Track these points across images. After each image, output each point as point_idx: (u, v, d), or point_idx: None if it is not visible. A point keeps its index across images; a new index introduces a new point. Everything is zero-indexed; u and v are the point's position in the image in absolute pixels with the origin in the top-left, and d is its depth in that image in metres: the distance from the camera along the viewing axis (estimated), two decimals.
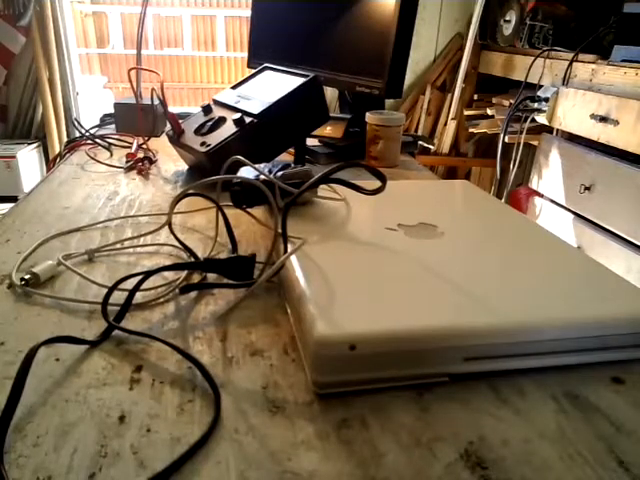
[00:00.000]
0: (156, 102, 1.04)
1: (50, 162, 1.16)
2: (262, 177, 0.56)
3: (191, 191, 0.57)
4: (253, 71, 0.93)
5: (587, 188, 1.71)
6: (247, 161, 0.57)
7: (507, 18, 2.24)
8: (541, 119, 1.95)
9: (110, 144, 1.01)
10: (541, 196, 2.03)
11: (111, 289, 0.45)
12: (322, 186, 0.60)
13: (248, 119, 0.76)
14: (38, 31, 2.45)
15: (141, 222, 0.65)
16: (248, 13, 1.28)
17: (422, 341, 0.36)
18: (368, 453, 0.32)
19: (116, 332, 0.42)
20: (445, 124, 2.52)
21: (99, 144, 1.01)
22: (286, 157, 0.91)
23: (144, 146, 0.98)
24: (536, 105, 1.95)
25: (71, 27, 2.61)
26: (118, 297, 0.45)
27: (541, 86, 1.98)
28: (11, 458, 0.31)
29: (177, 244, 0.57)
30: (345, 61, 0.96)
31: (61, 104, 2.58)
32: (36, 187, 0.79)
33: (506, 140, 2.07)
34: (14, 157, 2.44)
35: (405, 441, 0.32)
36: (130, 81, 0.98)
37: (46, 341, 0.38)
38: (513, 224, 0.56)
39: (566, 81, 1.84)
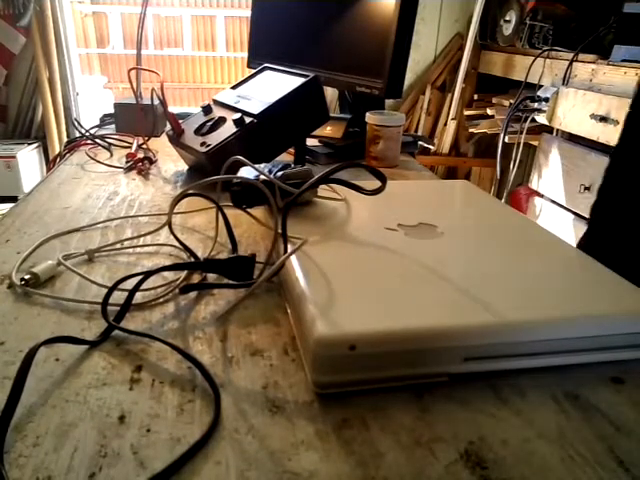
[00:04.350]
0: (156, 102, 1.04)
1: (50, 162, 1.16)
2: (262, 177, 0.56)
3: (191, 191, 0.57)
4: (253, 71, 0.93)
5: (587, 188, 1.71)
6: (247, 161, 0.57)
7: (507, 18, 2.24)
8: (541, 119, 1.95)
9: (110, 144, 1.01)
10: (541, 196, 2.03)
11: (111, 289, 0.45)
12: (322, 186, 0.60)
13: (248, 119, 0.76)
14: (38, 31, 2.45)
15: (141, 222, 0.65)
16: (248, 13, 1.28)
17: (422, 341, 0.36)
18: (368, 453, 0.32)
19: (116, 332, 0.42)
20: (445, 124, 2.53)
21: (99, 144, 1.01)
22: (286, 157, 0.91)
23: (144, 146, 0.98)
24: (536, 105, 1.95)
25: (71, 27, 2.61)
26: (118, 297, 0.45)
27: (541, 86, 1.98)
28: (11, 458, 0.31)
29: (177, 244, 0.57)
30: (345, 61, 0.96)
31: (61, 104, 2.58)
32: (36, 187, 0.79)
33: (506, 140, 2.07)
34: (14, 157, 2.45)
35: (405, 441, 0.32)
36: (130, 81, 0.98)
37: (46, 341, 0.38)
38: (513, 224, 0.56)
39: (566, 81, 1.84)
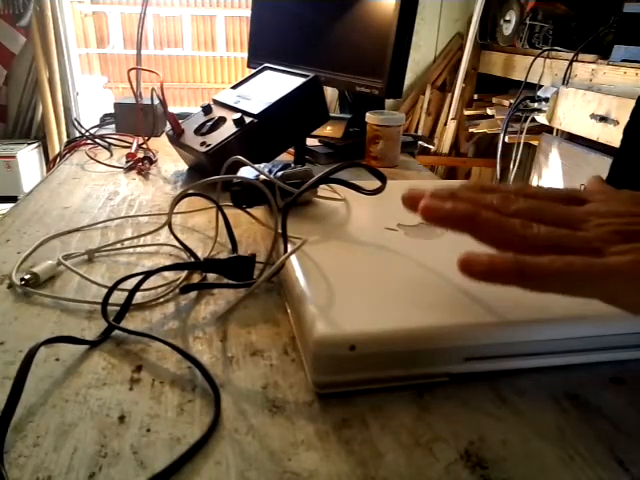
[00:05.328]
0: (156, 102, 1.04)
1: (50, 162, 1.17)
2: (262, 177, 0.56)
3: (191, 191, 0.57)
4: (253, 71, 0.93)
5: None
6: (247, 161, 0.57)
7: (507, 18, 2.24)
8: (541, 119, 1.95)
9: (110, 144, 1.01)
10: None
11: (111, 289, 0.45)
12: (322, 186, 0.60)
13: (248, 119, 0.76)
14: (38, 31, 2.46)
15: (141, 222, 0.65)
16: (248, 13, 1.28)
17: (422, 341, 0.36)
18: (368, 453, 0.32)
19: (116, 332, 0.42)
20: (445, 124, 2.53)
21: (99, 144, 1.01)
22: (286, 157, 0.91)
23: (144, 146, 0.98)
24: (536, 105, 1.95)
25: (71, 27, 2.62)
26: (118, 297, 0.45)
27: (541, 86, 1.98)
28: (11, 458, 0.31)
29: (177, 244, 0.57)
30: (345, 61, 0.96)
31: (61, 104, 2.58)
32: (36, 187, 0.79)
33: (506, 140, 2.07)
34: (14, 157, 2.45)
35: (405, 441, 0.32)
36: (130, 81, 0.98)
37: (46, 341, 0.38)
38: None
39: (566, 81, 1.85)
